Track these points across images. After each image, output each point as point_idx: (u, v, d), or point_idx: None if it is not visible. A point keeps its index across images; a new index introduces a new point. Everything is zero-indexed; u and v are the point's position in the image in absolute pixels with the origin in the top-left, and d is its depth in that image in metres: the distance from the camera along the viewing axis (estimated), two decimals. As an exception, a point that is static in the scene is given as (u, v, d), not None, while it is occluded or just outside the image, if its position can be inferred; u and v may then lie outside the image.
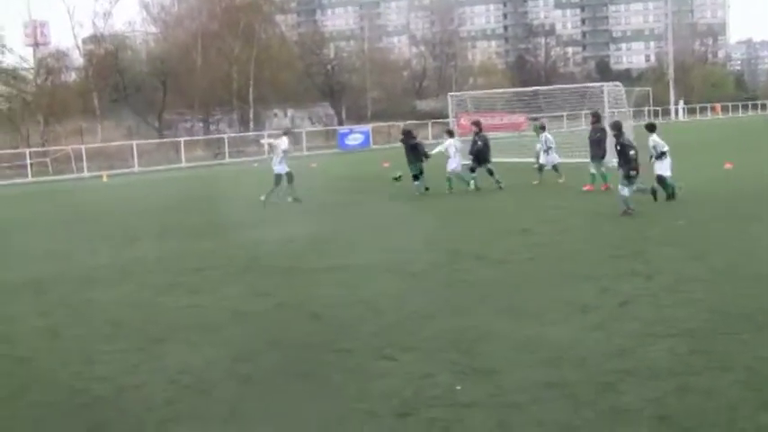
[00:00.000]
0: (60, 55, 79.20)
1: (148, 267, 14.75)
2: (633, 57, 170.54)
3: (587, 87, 43.07)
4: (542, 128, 27.26)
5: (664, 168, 20.28)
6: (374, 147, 63.58)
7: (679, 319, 9.01)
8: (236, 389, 7.65)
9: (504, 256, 13.60)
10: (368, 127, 69.84)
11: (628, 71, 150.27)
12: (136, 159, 52.90)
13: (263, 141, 38.67)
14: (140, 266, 14.87)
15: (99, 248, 17.58)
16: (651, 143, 20.87)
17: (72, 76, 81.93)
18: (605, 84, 35.71)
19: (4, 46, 68.79)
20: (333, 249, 15.65)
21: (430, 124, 72.26)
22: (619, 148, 18.83)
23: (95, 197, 32.85)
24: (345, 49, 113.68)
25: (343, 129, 69.72)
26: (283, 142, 24.25)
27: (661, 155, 20.46)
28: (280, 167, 23.61)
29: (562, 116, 60.47)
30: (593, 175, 23.34)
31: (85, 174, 47.92)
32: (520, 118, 60.77)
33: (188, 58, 77.00)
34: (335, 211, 22.21)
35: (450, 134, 27.13)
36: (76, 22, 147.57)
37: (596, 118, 24.81)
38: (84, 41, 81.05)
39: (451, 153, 25.06)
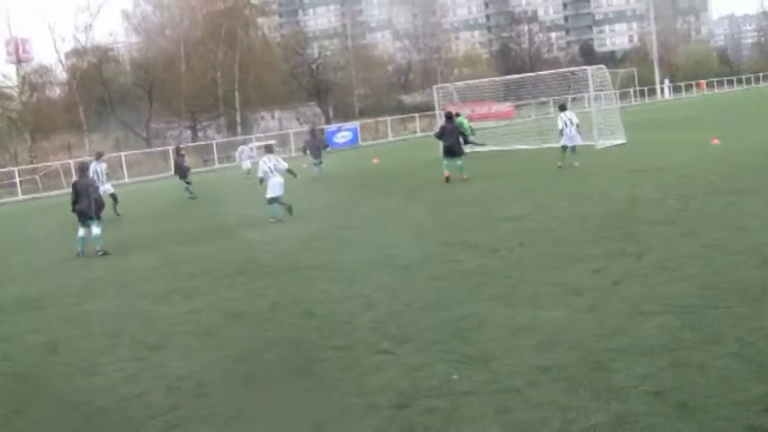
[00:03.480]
0: (44, 71, 79.31)
1: (144, 276, 14.80)
2: (617, 38, 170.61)
3: (572, 72, 43.24)
4: (562, 108, 27.07)
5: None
6: (363, 144, 63.68)
7: (670, 295, 9.08)
8: (237, 390, 7.72)
9: (495, 244, 13.66)
10: (356, 124, 69.88)
11: (612, 53, 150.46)
12: (125, 170, 52.93)
13: (242, 164, 38.52)
14: (136, 276, 14.93)
15: (94, 261, 17.62)
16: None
17: (57, 92, 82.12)
18: (589, 67, 35.76)
19: (-14, 65, 68.69)
20: (325, 247, 15.71)
21: (417, 118, 72.38)
22: None
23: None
24: (329, 48, 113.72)
25: (331, 127, 69.72)
26: (267, 161, 21.66)
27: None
28: (270, 191, 21.13)
29: (548, 102, 60.51)
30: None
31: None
32: (508, 106, 61.01)
33: (172, 66, 77.12)
34: (326, 209, 22.25)
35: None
36: (58, 37, 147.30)
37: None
38: (66, 55, 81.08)
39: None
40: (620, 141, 32.82)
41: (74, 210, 18.83)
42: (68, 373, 8.97)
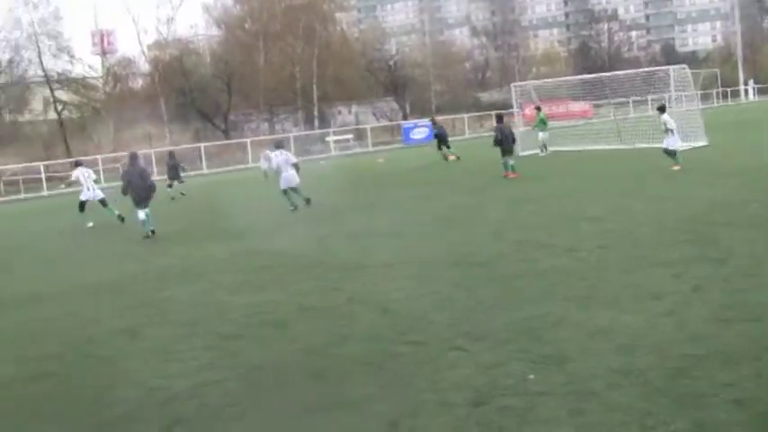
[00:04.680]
0: (127, 62, 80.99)
1: (219, 266, 15.00)
2: (699, 38, 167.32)
3: (653, 72, 42.54)
4: (660, 109, 26.20)
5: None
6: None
7: (753, 303, 8.84)
8: (310, 383, 7.75)
9: (572, 245, 13.50)
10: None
11: (694, 53, 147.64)
12: (204, 162, 53.69)
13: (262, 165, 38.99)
14: (211, 266, 15.13)
15: (170, 249, 17.93)
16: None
17: (139, 83, 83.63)
18: (671, 67, 35.12)
19: (72, 56, 70.24)
20: (399, 243, 15.71)
21: (494, 115, 71.98)
22: None
23: (165, 199, 33.37)
24: (407, 44, 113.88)
25: (408, 123, 69.73)
26: (278, 155, 23.75)
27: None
28: (284, 183, 23.12)
29: (628, 102, 59.67)
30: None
31: (155, 177, 48.68)
32: (585, 105, 60.34)
33: (251, 59, 77.94)
34: (401, 205, 22.26)
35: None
36: (141, 29, 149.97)
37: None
38: (149, 47, 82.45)
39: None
40: (701, 143, 32.17)
41: (124, 193, 20.74)
42: (147, 359, 9.13)
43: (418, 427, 6.42)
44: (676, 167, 23.77)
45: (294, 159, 23.37)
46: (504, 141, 26.80)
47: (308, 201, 22.93)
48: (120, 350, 9.67)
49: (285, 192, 22.94)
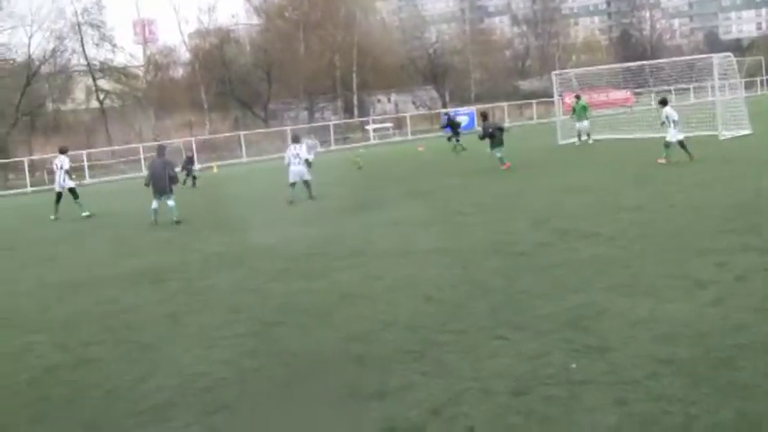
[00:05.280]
0: (168, 51, 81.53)
1: (260, 254, 15.07)
2: (743, 25, 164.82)
3: (696, 60, 42.04)
4: (662, 102, 26.00)
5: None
6: (479, 128, 63.23)
7: (800, 292, 8.76)
8: (351, 370, 7.78)
9: (614, 233, 13.41)
10: (472, 108, 69.47)
11: (738, 41, 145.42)
12: (244, 149, 53.99)
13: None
14: (252, 253, 15.23)
15: (211, 237, 18.06)
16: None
17: (179, 72, 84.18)
18: (714, 55, 34.66)
19: (114, 45, 70.82)
20: (440, 231, 15.72)
21: (534, 104, 71.57)
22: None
23: (207, 188, 33.61)
24: (447, 32, 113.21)
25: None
26: (292, 149, 24.15)
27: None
28: (291, 176, 23.74)
29: (670, 90, 59.04)
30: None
31: (196, 165, 49.06)
32: (626, 93, 59.79)
33: (291, 47, 78.01)
34: (441, 193, 22.24)
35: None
36: (182, 18, 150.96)
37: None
38: (190, 36, 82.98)
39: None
40: (745, 132, 31.77)
41: (146, 184, 21.79)
42: (189, 345, 9.21)
43: (460, 414, 6.41)
44: (662, 161, 23.70)
45: (306, 155, 23.83)
46: (491, 135, 27.46)
47: (310, 195, 23.24)
48: (161, 337, 9.76)
49: (292, 185, 23.44)
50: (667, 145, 24.23)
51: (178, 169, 25.19)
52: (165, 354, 9.02)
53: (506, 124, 38.89)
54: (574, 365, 7.16)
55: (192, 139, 52.71)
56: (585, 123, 36.36)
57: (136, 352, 9.23)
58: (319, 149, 40.88)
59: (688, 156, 23.70)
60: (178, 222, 20.82)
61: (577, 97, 37.48)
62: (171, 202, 21.28)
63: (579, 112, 36.41)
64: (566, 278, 10.59)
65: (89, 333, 10.30)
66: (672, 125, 24.27)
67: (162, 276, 13.79)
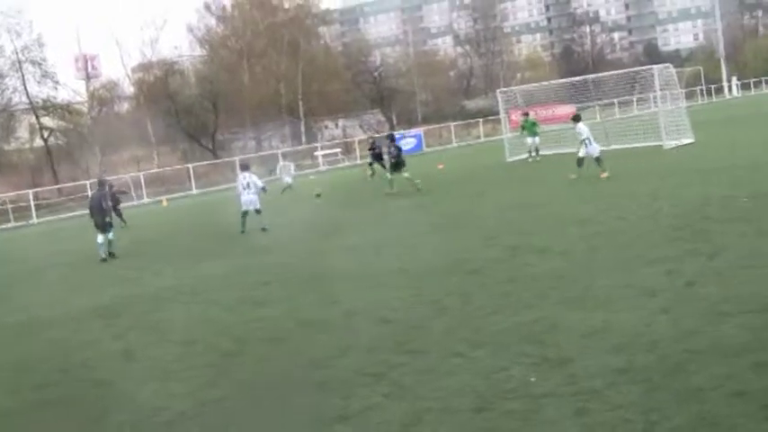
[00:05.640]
0: (111, 85, 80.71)
1: (215, 285, 14.99)
2: (681, 37, 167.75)
3: (637, 72, 42.67)
4: (575, 119, 26.15)
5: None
6: (427, 149, 63.58)
7: (748, 295, 8.92)
8: (312, 396, 7.76)
9: (565, 247, 13.56)
10: (420, 130, 69.86)
11: (677, 52, 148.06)
12: (193, 182, 53.68)
13: (284, 178, 39.27)
14: (207, 285, 15.13)
15: (164, 270, 17.93)
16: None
17: (124, 106, 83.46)
18: (655, 66, 35.27)
19: (57, 82, 70.01)
20: (395, 253, 15.75)
21: (481, 123, 72.11)
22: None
23: (156, 221, 33.39)
24: (391, 55, 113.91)
25: (395, 134, 69.78)
26: (243, 178, 23.35)
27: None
28: (244, 205, 23.03)
29: (613, 103, 59.82)
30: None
31: (145, 200, 48.74)
32: (571, 108, 60.46)
33: (236, 77, 78.00)
34: (394, 215, 22.33)
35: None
36: (125, 52, 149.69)
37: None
38: (133, 70, 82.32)
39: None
40: (688, 141, 32.35)
41: (90, 217, 22.04)
42: (145, 380, 9.13)
43: (423, 434, 6.44)
44: (604, 175, 23.76)
45: (261, 184, 23.28)
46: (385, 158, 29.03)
47: (263, 229, 22.40)
48: (117, 373, 9.65)
49: (243, 215, 22.95)
50: (580, 162, 24.50)
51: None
52: (121, 390, 8.93)
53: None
54: (533, 379, 7.23)
55: (128, 176, 52.08)
56: (537, 139, 36.71)
57: (92, 391, 9.12)
58: (293, 172, 40.92)
59: (603, 171, 23.96)
60: (112, 255, 21.43)
61: (525, 114, 37.86)
62: (110, 235, 21.63)
63: (529, 128, 36.77)
64: (519, 294, 10.69)
65: (43, 375, 10.15)
66: (586, 142, 24.57)
67: (115, 312, 13.64)
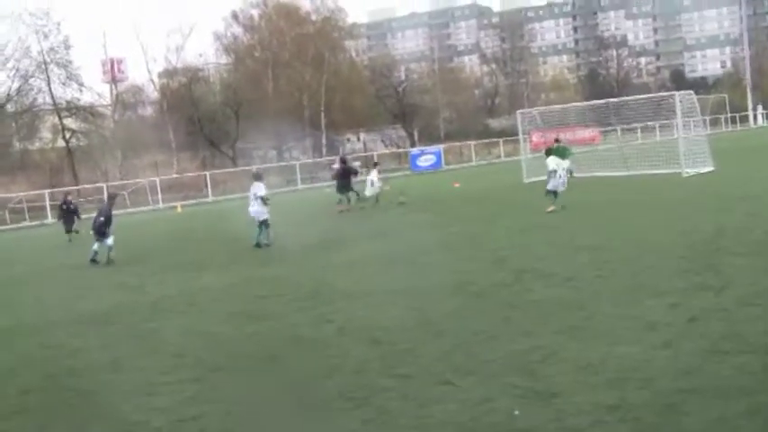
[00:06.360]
0: (136, 90, 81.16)
1: (214, 296, 14.80)
2: (708, 64, 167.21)
3: (660, 98, 42.38)
4: (547, 153, 25.73)
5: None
6: (446, 167, 63.38)
7: (752, 334, 8.60)
8: (290, 418, 7.54)
9: (571, 274, 13.26)
10: (439, 147, 69.68)
11: (703, 79, 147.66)
12: (210, 189, 53.71)
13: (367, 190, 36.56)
14: (206, 296, 14.94)
15: (167, 279, 17.76)
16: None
17: (148, 111, 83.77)
18: (677, 93, 34.95)
19: (81, 84, 70.37)
20: (400, 271, 15.51)
21: (501, 142, 71.87)
22: None
23: (168, 228, 33.31)
24: (416, 71, 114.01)
25: (415, 150, 69.67)
26: (251, 188, 22.69)
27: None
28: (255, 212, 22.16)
29: (636, 128, 59.50)
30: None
31: (161, 205, 48.78)
32: (592, 132, 60.21)
33: (260, 87, 78.15)
34: (404, 232, 22.09)
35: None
36: (151, 58, 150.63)
37: None
38: (158, 76, 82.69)
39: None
40: (708, 169, 31.97)
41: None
42: (129, 392, 8.91)
43: (398, 466, 6.20)
44: (551, 209, 23.20)
45: (261, 193, 21.96)
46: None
47: (258, 245, 21.60)
48: (103, 383, 9.45)
49: (259, 225, 21.97)
50: (553, 194, 23.98)
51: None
52: (104, 401, 8.73)
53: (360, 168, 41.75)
54: (517, 412, 6.95)
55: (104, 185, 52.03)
56: (568, 163, 36.17)
57: (75, 400, 8.92)
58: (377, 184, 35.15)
59: (551, 205, 23.48)
60: (95, 262, 21.71)
61: (557, 140, 37.34)
62: (108, 241, 21.94)
63: (562, 152, 36.19)
64: (519, 320, 10.41)
65: (29, 380, 9.96)
66: (553, 175, 24.11)
67: (110, 319, 13.46)
